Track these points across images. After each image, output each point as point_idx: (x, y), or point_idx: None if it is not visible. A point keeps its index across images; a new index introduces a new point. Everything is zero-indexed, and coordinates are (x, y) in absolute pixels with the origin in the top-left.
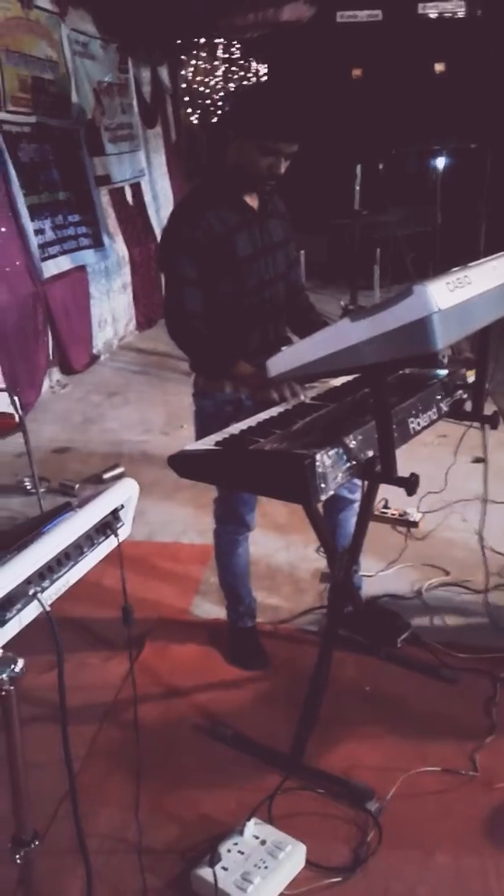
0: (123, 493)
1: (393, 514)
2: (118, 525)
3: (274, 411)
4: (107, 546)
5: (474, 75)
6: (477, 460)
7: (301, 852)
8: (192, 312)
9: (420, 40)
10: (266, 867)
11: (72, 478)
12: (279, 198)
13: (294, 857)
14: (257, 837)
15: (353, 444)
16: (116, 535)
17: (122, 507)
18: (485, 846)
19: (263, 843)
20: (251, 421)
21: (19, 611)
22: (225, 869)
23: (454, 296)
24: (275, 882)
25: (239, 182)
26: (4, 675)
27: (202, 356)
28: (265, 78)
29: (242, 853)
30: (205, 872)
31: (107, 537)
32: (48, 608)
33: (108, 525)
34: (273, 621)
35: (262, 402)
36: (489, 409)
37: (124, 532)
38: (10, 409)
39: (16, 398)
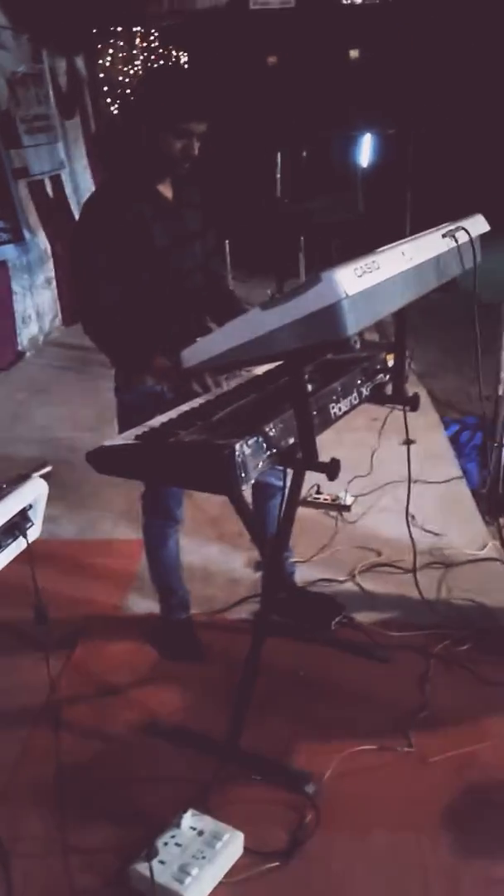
0: (31, 493)
1: (325, 500)
2: (27, 525)
3: (195, 403)
4: (16, 547)
5: (390, 61)
6: (406, 442)
7: (238, 840)
8: (107, 306)
9: (334, 26)
10: (204, 857)
11: None
12: (195, 187)
13: (231, 845)
14: (194, 828)
15: (273, 432)
16: (25, 536)
17: (31, 506)
18: (421, 821)
19: (201, 833)
20: (172, 413)
21: None
22: (162, 863)
23: (363, 281)
24: (213, 871)
25: (153, 169)
26: None
27: (119, 351)
28: (176, 63)
29: (180, 845)
30: (142, 867)
31: (15, 538)
32: None
33: (15, 526)
34: (208, 612)
35: (183, 395)
36: (414, 390)
37: (34, 532)
38: None
39: None
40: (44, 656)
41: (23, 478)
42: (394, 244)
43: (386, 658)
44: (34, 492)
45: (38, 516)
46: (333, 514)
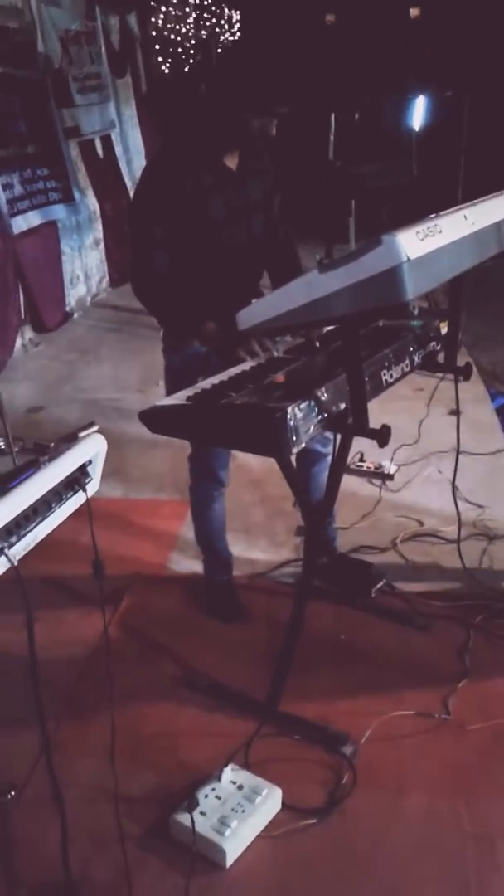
0: (91, 449)
1: (368, 468)
2: (86, 480)
3: (246, 365)
4: (75, 502)
5: (450, 21)
6: (452, 412)
7: (277, 796)
8: (159, 274)
9: None
10: (243, 811)
11: (46, 437)
12: (266, 154)
13: (270, 800)
14: (234, 783)
15: (324, 396)
16: (85, 491)
17: (90, 462)
18: (457, 788)
19: (240, 788)
20: (223, 375)
21: None
22: (203, 814)
23: (424, 245)
24: (252, 825)
25: (223, 141)
26: None
27: (169, 316)
28: (238, 37)
29: (220, 798)
30: (183, 818)
31: (75, 493)
32: (16, 563)
33: (75, 480)
34: (250, 574)
35: (231, 361)
36: (462, 360)
37: (93, 487)
38: None
39: None
40: (89, 610)
41: (71, 437)
42: (455, 208)
43: (426, 626)
44: (94, 448)
45: (96, 472)
46: (377, 482)
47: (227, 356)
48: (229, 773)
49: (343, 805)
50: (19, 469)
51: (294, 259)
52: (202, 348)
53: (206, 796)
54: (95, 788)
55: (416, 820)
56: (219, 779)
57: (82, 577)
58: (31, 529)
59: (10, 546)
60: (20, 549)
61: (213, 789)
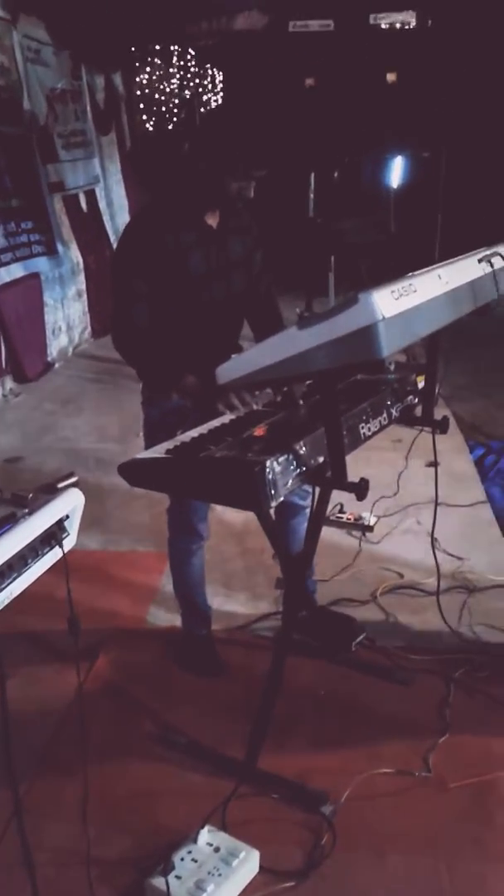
0: (69, 504)
1: (348, 519)
2: (63, 536)
3: (226, 418)
4: (52, 557)
5: (426, 84)
6: (430, 464)
7: (255, 858)
8: (139, 328)
9: (372, 50)
10: (220, 874)
11: (25, 488)
12: (246, 212)
13: (248, 863)
14: (211, 845)
15: (303, 450)
16: (62, 546)
17: (68, 517)
18: (437, 846)
19: (217, 850)
20: (202, 428)
21: None
22: (178, 878)
23: (399, 304)
24: (228, 889)
25: (202, 200)
26: None
27: (148, 369)
28: (222, 88)
29: (196, 861)
30: (158, 882)
31: (51, 548)
32: None
33: (52, 535)
34: (229, 628)
35: (209, 414)
36: (441, 413)
37: (69, 542)
38: None
39: None
40: (65, 666)
41: (50, 487)
42: (430, 268)
43: (406, 681)
44: (71, 502)
45: (73, 527)
46: (356, 534)
47: (207, 409)
48: (206, 834)
49: (322, 867)
50: None
51: (275, 312)
52: (180, 401)
53: (182, 859)
54: (68, 851)
55: (396, 881)
56: (195, 841)
57: (58, 632)
58: (7, 585)
59: None
60: None
61: (190, 852)
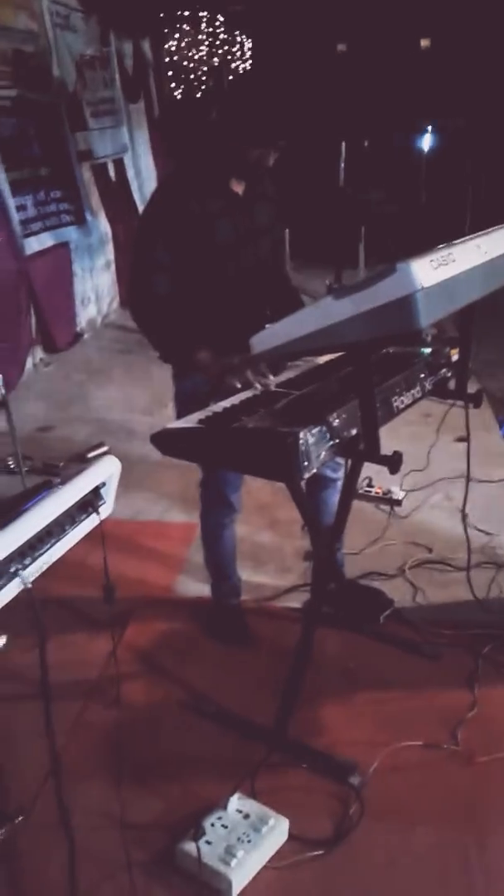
0: (105, 471)
1: (376, 493)
2: (100, 503)
3: (258, 389)
4: (88, 524)
5: (461, 51)
6: (460, 439)
7: (284, 826)
8: (159, 297)
9: (406, 15)
10: (249, 841)
11: (55, 457)
12: (268, 180)
13: (277, 830)
14: (240, 812)
15: (336, 422)
16: (98, 513)
17: (104, 484)
18: (465, 819)
19: (247, 817)
20: (234, 399)
21: (0, 588)
22: (209, 843)
23: (438, 273)
24: (258, 855)
25: (225, 168)
26: None
27: (163, 341)
28: (251, 55)
29: (226, 827)
30: (189, 847)
31: (88, 515)
32: (30, 585)
33: (89, 503)
34: (257, 599)
35: (223, 391)
36: (472, 387)
37: (106, 510)
38: None
39: None
40: (95, 633)
41: (80, 457)
42: (469, 237)
43: (435, 655)
44: (108, 470)
45: (110, 494)
46: (385, 507)
47: (220, 385)
48: (236, 801)
49: (350, 837)
50: (33, 490)
51: (289, 285)
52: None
53: (213, 825)
54: (100, 814)
55: (424, 852)
56: (225, 807)
57: (89, 598)
58: (45, 551)
59: (24, 568)
60: (34, 570)
61: (220, 818)
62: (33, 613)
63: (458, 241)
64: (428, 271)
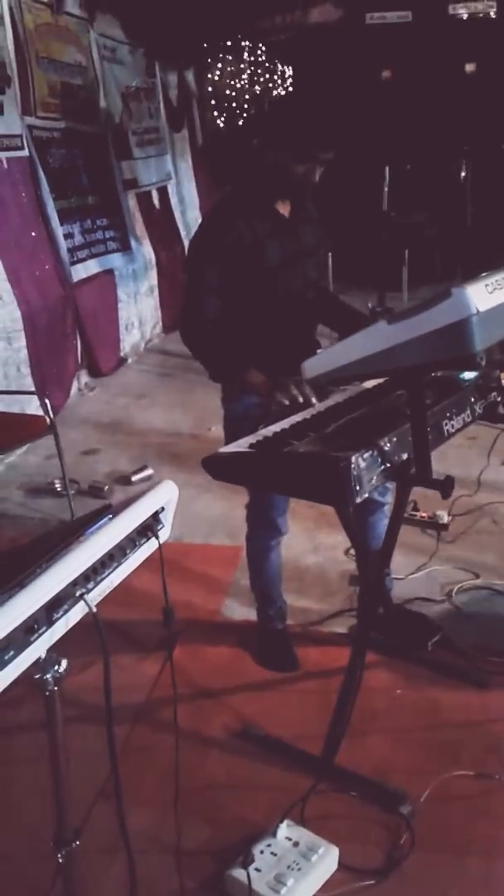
0: (164, 496)
1: (422, 517)
2: (158, 527)
3: (307, 414)
4: (148, 548)
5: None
6: None
7: (334, 854)
8: (209, 319)
9: (450, 41)
10: (299, 869)
11: (101, 479)
12: (312, 203)
13: (327, 859)
14: (290, 839)
15: (387, 446)
16: (157, 538)
17: (163, 509)
18: None
19: (296, 844)
20: (284, 423)
21: (66, 612)
22: (258, 870)
23: (493, 297)
24: (308, 884)
25: (271, 189)
26: (49, 676)
27: (214, 362)
28: (291, 82)
29: (275, 855)
30: (238, 873)
31: (148, 539)
32: (94, 609)
33: (148, 527)
34: (303, 623)
35: (277, 411)
36: None
37: (164, 534)
38: (40, 412)
39: (46, 401)
40: (143, 655)
41: (125, 479)
42: None
43: (483, 682)
44: (167, 495)
45: (168, 519)
46: (430, 532)
47: (269, 403)
48: (285, 829)
49: (401, 867)
50: (94, 514)
51: (341, 301)
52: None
53: (262, 852)
54: (148, 838)
55: (476, 884)
56: (274, 834)
57: (137, 621)
58: (107, 576)
59: (88, 592)
60: (97, 594)
61: (269, 845)
62: (98, 637)
63: None
64: (483, 295)
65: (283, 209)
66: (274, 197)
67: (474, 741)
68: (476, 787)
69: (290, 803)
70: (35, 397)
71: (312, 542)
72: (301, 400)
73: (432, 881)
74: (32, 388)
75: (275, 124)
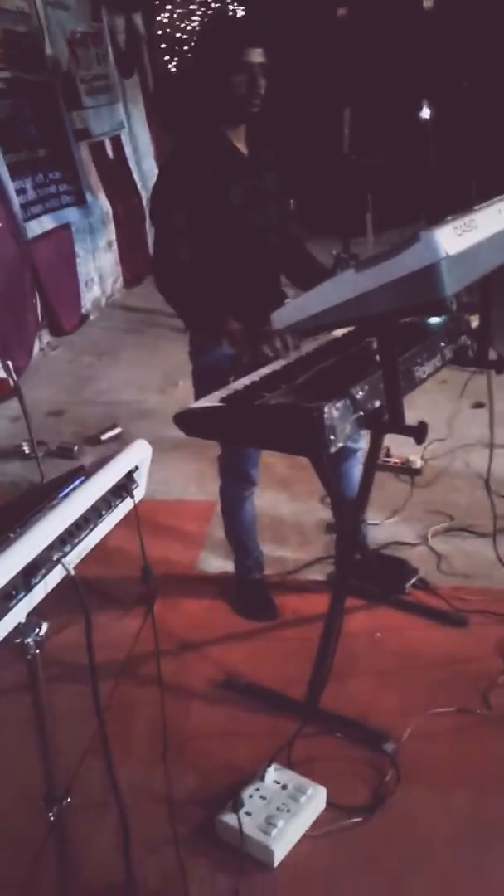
0: (137, 455)
1: (395, 463)
2: (133, 487)
3: (276, 365)
4: (123, 508)
5: (464, 12)
6: (477, 405)
7: (321, 794)
8: (183, 263)
9: None
10: (288, 810)
11: (69, 440)
12: (269, 148)
13: (315, 799)
14: (278, 782)
15: (359, 394)
16: (132, 497)
17: (137, 468)
18: (501, 782)
19: (284, 787)
20: (255, 376)
21: (44, 576)
22: (248, 814)
23: (462, 241)
24: (298, 824)
25: (223, 114)
26: (30, 640)
27: (191, 309)
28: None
29: (264, 798)
30: (229, 818)
31: (123, 499)
32: (73, 572)
33: (123, 487)
34: (280, 573)
35: (256, 360)
36: (492, 354)
37: (139, 493)
38: (3, 374)
39: (9, 363)
40: (121, 612)
41: (94, 439)
42: (490, 202)
43: (462, 621)
44: (140, 454)
45: (143, 478)
46: (404, 477)
47: (252, 354)
48: (273, 772)
49: (388, 803)
50: (66, 476)
51: (307, 254)
52: (230, 349)
53: (251, 796)
54: (138, 790)
55: (462, 816)
56: (262, 779)
57: (113, 579)
58: (84, 538)
59: (65, 555)
60: (74, 557)
61: (258, 789)
62: (79, 599)
63: (480, 206)
64: (451, 239)
65: (240, 143)
66: (226, 123)
67: (454, 679)
68: (457, 722)
69: (276, 748)
70: None
71: (287, 492)
72: (284, 353)
73: (418, 816)
74: None
75: (205, 37)
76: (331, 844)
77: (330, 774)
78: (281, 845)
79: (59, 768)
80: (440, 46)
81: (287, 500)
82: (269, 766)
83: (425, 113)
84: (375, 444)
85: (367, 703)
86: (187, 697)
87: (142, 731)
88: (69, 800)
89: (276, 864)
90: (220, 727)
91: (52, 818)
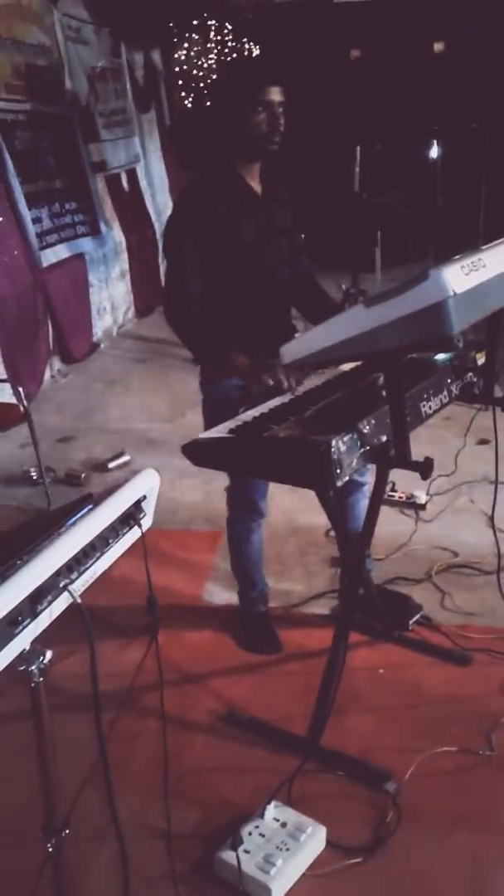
0: (146, 484)
1: (400, 498)
2: (141, 516)
3: (286, 398)
4: (130, 537)
5: (474, 54)
6: (482, 442)
7: (321, 834)
8: (192, 297)
9: (419, 20)
10: (288, 849)
11: (77, 467)
12: (283, 185)
13: (315, 838)
14: (277, 820)
15: (366, 429)
16: (140, 526)
17: (145, 497)
18: (502, 824)
19: (284, 825)
20: (263, 408)
21: (50, 603)
22: (247, 852)
23: (469, 279)
24: (297, 863)
25: (240, 152)
26: (34, 667)
27: (199, 343)
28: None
29: (264, 836)
30: (228, 856)
31: (130, 528)
32: (79, 600)
33: (131, 516)
34: (285, 605)
35: (260, 392)
36: (498, 391)
37: (146, 523)
38: (13, 400)
39: (20, 389)
40: (125, 642)
41: (102, 466)
42: (499, 241)
43: (465, 660)
44: (148, 483)
45: (150, 507)
46: (409, 512)
47: (256, 386)
48: (272, 809)
49: (388, 844)
50: (75, 504)
51: (318, 288)
52: (240, 381)
53: (250, 833)
54: (137, 824)
55: (462, 859)
56: (262, 816)
57: (117, 608)
58: (91, 565)
59: (72, 582)
60: (80, 585)
61: (257, 826)
62: (84, 627)
63: (488, 245)
64: (459, 277)
65: (253, 181)
66: (244, 161)
67: (457, 718)
68: (460, 762)
69: (276, 784)
70: (7, 385)
71: (292, 525)
72: (286, 385)
73: (418, 856)
74: (4, 376)
75: (225, 77)
76: (330, 885)
77: (330, 813)
78: (279, 885)
79: (58, 798)
80: (450, 88)
81: (293, 532)
82: (268, 803)
83: (434, 152)
84: (381, 479)
85: (369, 740)
86: (188, 730)
87: (142, 762)
88: (68, 831)
89: None
90: (221, 762)
91: (49, 849)
